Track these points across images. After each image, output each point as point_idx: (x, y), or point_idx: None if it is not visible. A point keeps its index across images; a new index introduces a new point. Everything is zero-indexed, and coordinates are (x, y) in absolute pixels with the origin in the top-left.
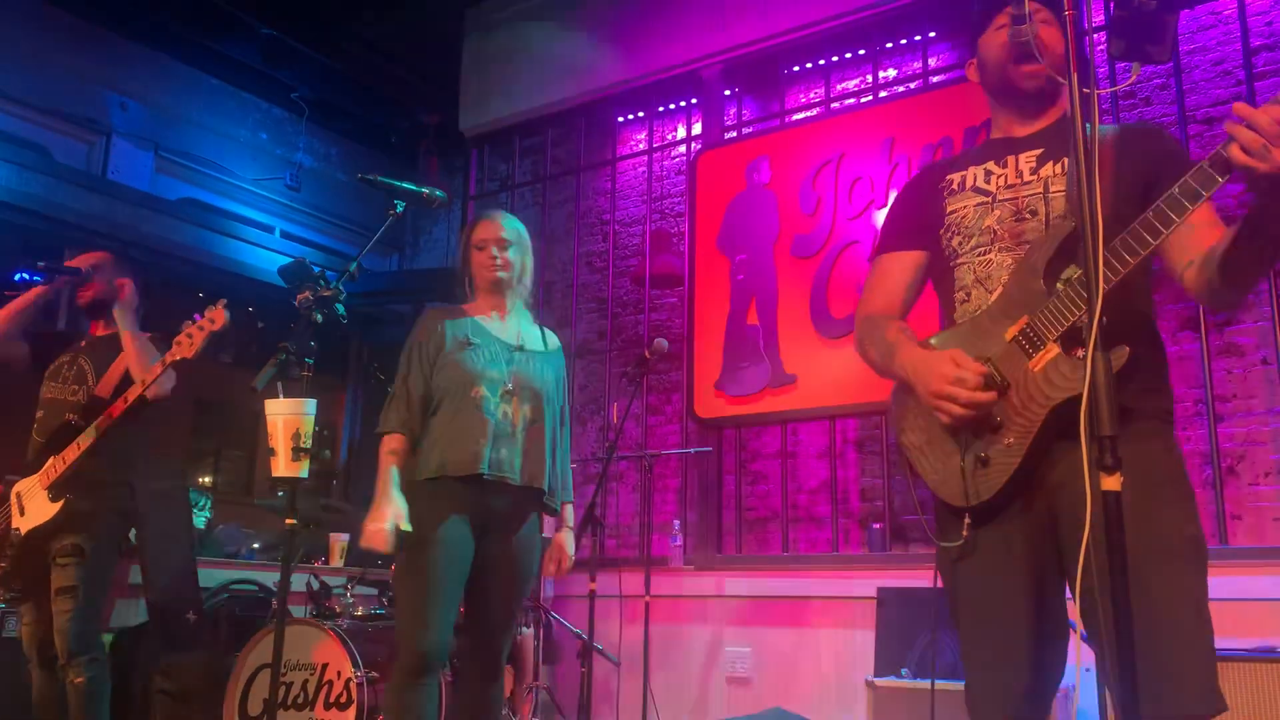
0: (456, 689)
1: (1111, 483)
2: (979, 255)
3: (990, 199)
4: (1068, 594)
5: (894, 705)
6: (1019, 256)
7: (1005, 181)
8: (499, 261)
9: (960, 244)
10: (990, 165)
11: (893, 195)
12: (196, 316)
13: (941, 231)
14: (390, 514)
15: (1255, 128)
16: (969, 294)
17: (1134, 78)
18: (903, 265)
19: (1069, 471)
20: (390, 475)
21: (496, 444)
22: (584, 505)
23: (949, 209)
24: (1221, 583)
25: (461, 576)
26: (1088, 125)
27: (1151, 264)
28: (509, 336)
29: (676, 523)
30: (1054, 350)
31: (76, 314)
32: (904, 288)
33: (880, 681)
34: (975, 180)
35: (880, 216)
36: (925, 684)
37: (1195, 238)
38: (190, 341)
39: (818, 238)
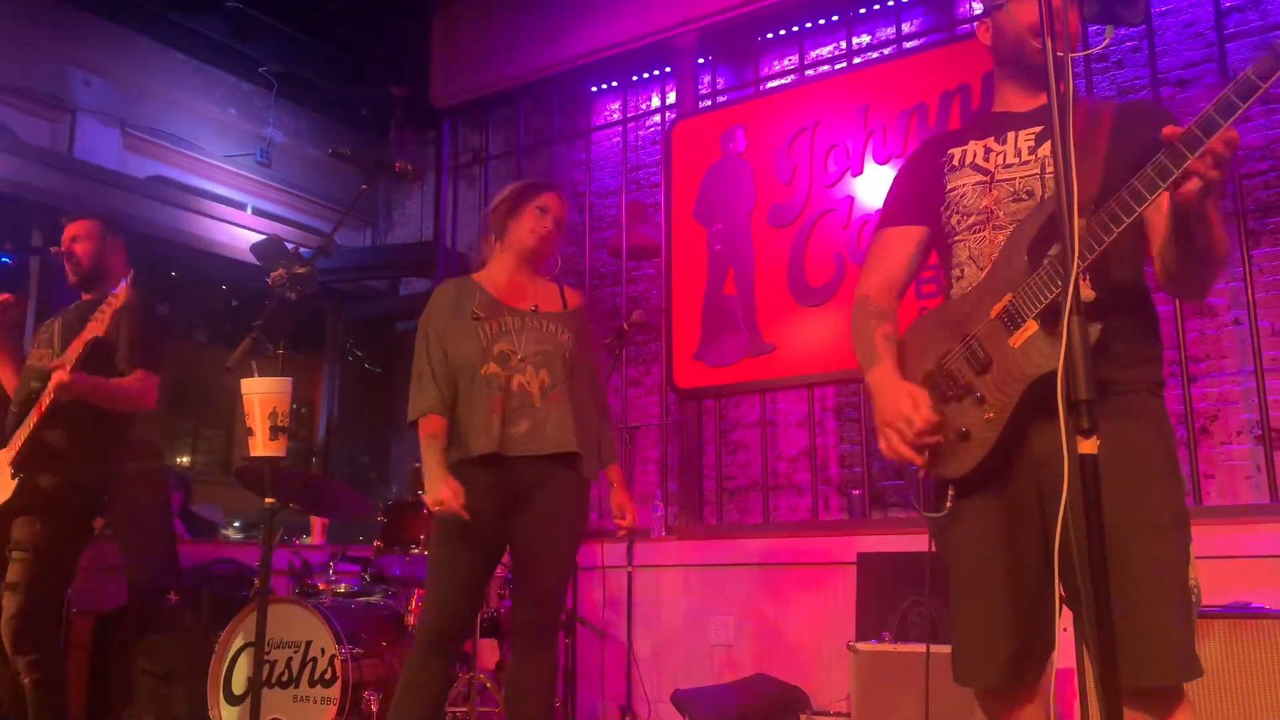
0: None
1: (1088, 446)
2: (974, 233)
3: (989, 178)
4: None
5: (875, 669)
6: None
7: (1004, 160)
8: (551, 234)
9: (958, 222)
10: (990, 142)
11: (868, 162)
12: (113, 290)
13: (942, 209)
14: (446, 493)
15: (1212, 152)
16: (963, 271)
17: (1107, 41)
18: (904, 240)
19: (1052, 446)
20: (437, 457)
21: (514, 419)
22: None
23: (949, 186)
24: (1195, 541)
25: (477, 561)
26: (1068, 106)
27: (1143, 232)
28: (523, 301)
29: (658, 493)
30: (1033, 327)
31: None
32: (905, 262)
33: (862, 646)
34: (975, 157)
35: (856, 184)
36: (906, 648)
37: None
38: (101, 318)
39: (794, 206)
